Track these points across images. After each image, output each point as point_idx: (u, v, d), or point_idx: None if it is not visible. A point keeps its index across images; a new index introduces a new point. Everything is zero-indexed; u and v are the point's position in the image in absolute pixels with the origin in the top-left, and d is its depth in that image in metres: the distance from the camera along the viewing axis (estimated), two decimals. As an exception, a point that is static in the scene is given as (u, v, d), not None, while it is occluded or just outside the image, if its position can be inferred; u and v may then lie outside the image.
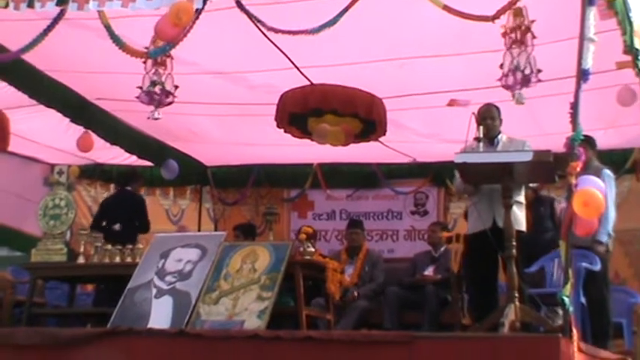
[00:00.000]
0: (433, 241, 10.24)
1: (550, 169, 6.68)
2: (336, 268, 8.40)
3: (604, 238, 8.02)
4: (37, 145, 11.56)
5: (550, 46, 7.20)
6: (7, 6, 6.80)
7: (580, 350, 5.41)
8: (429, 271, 9.87)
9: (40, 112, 9.82)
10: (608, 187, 8.05)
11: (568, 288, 5.59)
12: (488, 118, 7.43)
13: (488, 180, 7.10)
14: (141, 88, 7.93)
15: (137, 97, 7.98)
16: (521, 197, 7.35)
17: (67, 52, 8.42)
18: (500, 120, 7.52)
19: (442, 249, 10.14)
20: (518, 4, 6.67)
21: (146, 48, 7.37)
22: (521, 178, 6.96)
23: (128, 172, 11.64)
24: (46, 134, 11.14)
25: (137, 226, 10.52)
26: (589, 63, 5.92)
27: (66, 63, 8.81)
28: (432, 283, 9.55)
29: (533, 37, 6.91)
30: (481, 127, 7.15)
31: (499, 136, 7.48)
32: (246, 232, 10.54)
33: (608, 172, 8.23)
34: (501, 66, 6.99)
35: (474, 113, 7.25)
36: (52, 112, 9.64)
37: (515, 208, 7.08)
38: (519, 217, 7.25)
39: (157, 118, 8.09)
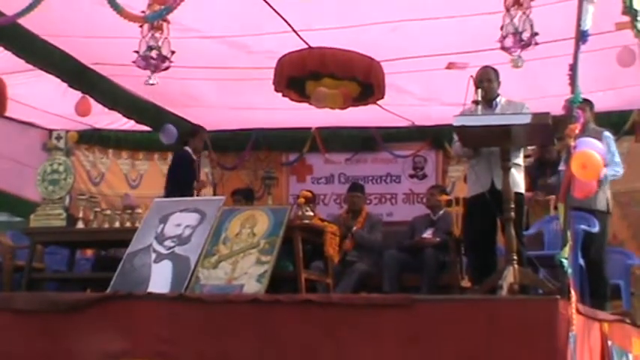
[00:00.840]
0: (432, 205, 10.23)
1: (548, 131, 6.66)
2: (335, 231, 8.40)
3: (608, 172, 7.91)
4: (35, 111, 11.53)
5: (549, 8, 7.16)
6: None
7: (578, 312, 5.42)
8: (427, 234, 9.87)
9: (38, 77, 9.80)
10: (612, 146, 8.05)
11: (566, 250, 5.59)
12: (485, 80, 7.40)
13: (487, 143, 7.08)
14: (137, 52, 7.90)
15: (134, 62, 7.95)
16: (520, 159, 7.34)
17: (63, 17, 8.39)
18: (499, 82, 7.49)
19: (441, 212, 10.12)
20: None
21: (143, 12, 7.32)
22: (519, 140, 6.95)
23: (188, 129, 11.48)
24: (44, 99, 11.11)
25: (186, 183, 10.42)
26: (588, 24, 5.88)
27: (63, 28, 8.78)
28: (430, 246, 9.55)
29: (530, -1, 6.88)
30: (479, 90, 7.12)
31: (497, 99, 7.46)
32: (246, 196, 10.55)
33: (607, 133, 8.22)
34: (501, 28, 6.96)
35: (472, 76, 7.23)
36: (49, 77, 9.63)
37: (513, 170, 7.06)
38: (517, 179, 7.24)
39: (152, 84, 8.06)
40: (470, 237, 7.87)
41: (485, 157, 7.20)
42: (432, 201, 10.22)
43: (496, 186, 7.07)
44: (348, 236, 9.88)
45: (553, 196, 8.80)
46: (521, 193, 7.31)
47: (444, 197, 10.34)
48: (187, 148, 10.64)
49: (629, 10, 6.51)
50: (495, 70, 7.49)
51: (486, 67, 7.49)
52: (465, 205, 8.01)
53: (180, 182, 10.23)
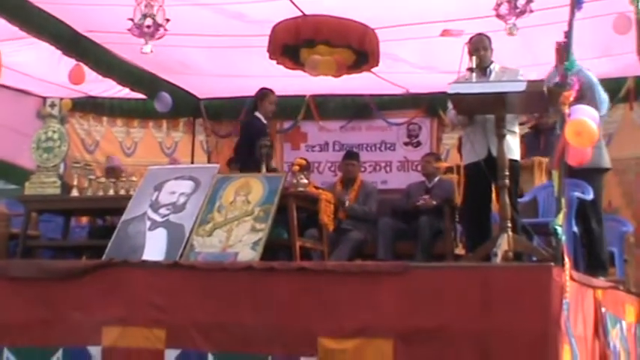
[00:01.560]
0: (427, 172, 10.22)
1: (543, 99, 6.65)
2: (330, 199, 8.40)
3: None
4: (29, 78, 11.47)
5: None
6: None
7: (572, 279, 5.43)
8: (424, 198, 9.86)
9: (32, 44, 9.75)
10: (592, 78, 7.86)
11: (560, 217, 5.60)
12: (481, 48, 7.37)
13: (482, 110, 7.07)
14: (132, 20, 7.85)
15: (128, 30, 7.90)
16: (515, 127, 7.33)
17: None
18: (491, 49, 7.46)
19: (436, 179, 10.13)
20: None
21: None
22: (514, 108, 6.93)
23: (257, 94, 10.83)
24: (38, 67, 11.05)
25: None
26: (583, -9, 5.86)
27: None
28: (425, 214, 9.55)
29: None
30: (474, 58, 7.09)
31: (491, 66, 7.43)
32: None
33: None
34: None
35: (467, 44, 7.21)
36: (43, 44, 9.57)
37: (508, 137, 7.06)
38: (512, 147, 7.23)
39: (147, 52, 8.02)
40: (465, 204, 7.86)
41: (481, 125, 7.17)
42: (428, 168, 10.22)
43: (492, 153, 7.05)
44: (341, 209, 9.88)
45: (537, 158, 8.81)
46: (516, 160, 7.30)
47: (443, 164, 10.35)
48: (258, 114, 9.81)
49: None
50: (488, 37, 7.46)
51: (480, 34, 7.45)
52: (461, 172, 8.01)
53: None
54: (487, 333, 5.28)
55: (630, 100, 10.63)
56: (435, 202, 9.62)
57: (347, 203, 9.89)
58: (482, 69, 7.38)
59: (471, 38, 7.45)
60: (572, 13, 5.90)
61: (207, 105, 12.98)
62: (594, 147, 7.41)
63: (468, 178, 7.54)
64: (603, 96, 7.87)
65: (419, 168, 10.87)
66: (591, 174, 7.88)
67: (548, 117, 8.63)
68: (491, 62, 7.44)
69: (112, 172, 10.69)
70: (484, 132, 7.14)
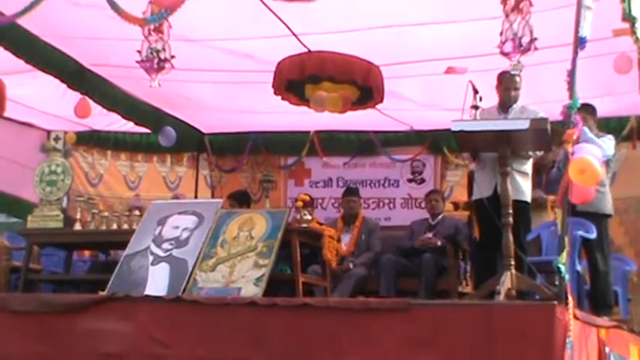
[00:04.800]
0: (435, 212, 10.24)
1: (547, 137, 6.68)
2: (333, 235, 8.41)
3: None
4: (34, 111, 11.52)
5: (547, 14, 7.17)
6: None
7: (575, 317, 5.43)
8: (428, 236, 9.88)
9: (37, 77, 9.78)
10: (608, 142, 7.98)
11: (564, 256, 5.61)
12: (512, 88, 7.42)
13: (486, 148, 7.10)
14: (139, 52, 7.89)
15: (138, 62, 7.94)
16: (527, 167, 7.33)
17: (63, 18, 8.39)
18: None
19: (440, 217, 10.15)
20: (517, -28, 6.65)
21: (143, 13, 7.32)
22: (518, 146, 6.95)
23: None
24: (43, 100, 11.10)
25: None
26: (586, 31, 5.90)
27: (62, 28, 8.78)
28: (429, 251, 9.56)
29: (530, 4, 6.87)
30: (478, 95, 7.12)
31: (514, 105, 7.46)
32: (240, 200, 10.53)
33: (609, 135, 8.20)
34: (500, 33, 6.96)
35: (470, 81, 7.23)
36: (48, 78, 9.61)
37: (518, 177, 7.11)
38: (523, 187, 7.25)
39: (154, 87, 8.05)
40: (474, 241, 7.86)
41: (491, 163, 7.16)
42: (437, 208, 10.23)
43: (498, 192, 7.05)
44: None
45: (551, 196, 8.84)
46: (527, 202, 7.31)
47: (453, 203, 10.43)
48: None
49: (628, 16, 6.53)
50: (520, 77, 7.48)
51: (509, 72, 7.42)
52: (470, 209, 8.03)
53: None
54: (490, 371, 5.29)
55: (633, 139, 10.66)
56: (439, 243, 9.62)
57: (351, 265, 9.85)
58: (505, 107, 7.42)
59: (502, 73, 7.47)
60: (576, 52, 5.94)
61: (212, 140, 13.03)
62: (599, 191, 7.50)
63: (476, 215, 7.55)
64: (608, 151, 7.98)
65: (422, 205, 10.86)
66: (595, 217, 7.94)
67: (546, 154, 8.67)
68: (515, 102, 7.47)
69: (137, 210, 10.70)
70: (493, 170, 7.13)
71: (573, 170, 5.72)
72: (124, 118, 11.35)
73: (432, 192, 10.78)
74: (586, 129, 7.74)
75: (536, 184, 8.84)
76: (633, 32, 6.88)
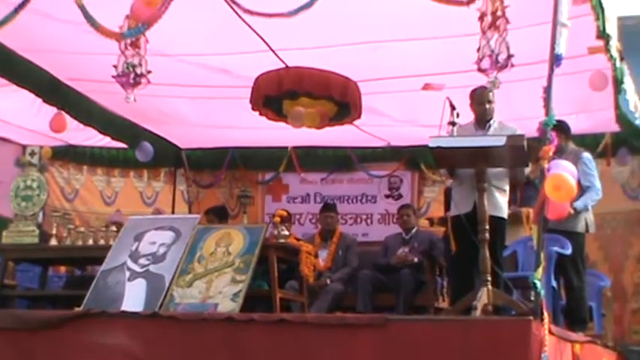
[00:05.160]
0: (407, 226, 10.25)
1: (523, 153, 6.72)
2: (310, 251, 8.43)
3: (579, 206, 8.02)
4: (9, 126, 11.46)
5: (524, 31, 7.22)
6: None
7: (551, 333, 5.46)
8: (403, 251, 9.89)
9: (12, 92, 9.74)
10: (591, 169, 8.14)
11: (540, 272, 5.64)
12: (485, 102, 7.43)
13: (463, 164, 7.13)
14: (115, 67, 7.87)
15: (114, 77, 7.92)
16: (504, 184, 7.36)
17: (39, 32, 8.36)
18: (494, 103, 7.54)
19: (413, 231, 10.16)
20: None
21: (120, 28, 7.31)
22: (495, 162, 6.99)
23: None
24: (18, 114, 11.05)
25: None
26: (562, 48, 5.96)
27: (38, 42, 8.75)
28: (406, 267, 9.57)
29: (507, 22, 6.92)
30: (455, 112, 7.16)
31: (491, 121, 7.49)
32: (219, 215, 10.53)
33: (587, 155, 8.33)
34: (478, 50, 7.00)
35: (448, 98, 7.27)
36: (24, 92, 9.56)
37: (497, 194, 7.15)
38: (501, 204, 7.29)
39: (130, 101, 8.04)
40: (450, 257, 7.89)
41: (469, 179, 7.16)
42: (409, 223, 10.24)
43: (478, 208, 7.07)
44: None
45: (525, 209, 8.90)
46: (503, 218, 7.35)
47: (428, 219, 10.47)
48: None
49: (602, 34, 6.60)
50: (492, 90, 7.50)
51: (483, 87, 7.46)
52: (447, 224, 8.07)
53: None
54: (466, 387, 5.30)
55: (608, 156, 10.74)
56: (415, 259, 9.63)
57: (328, 281, 9.85)
58: (483, 122, 7.46)
59: (474, 90, 7.50)
60: (552, 69, 5.99)
61: (189, 155, 13.01)
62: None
63: (453, 232, 7.58)
64: (597, 184, 8.09)
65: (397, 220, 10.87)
66: (568, 234, 8.01)
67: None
68: (491, 117, 7.50)
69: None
70: (471, 186, 7.14)
71: (549, 186, 5.77)
72: (100, 133, 11.32)
73: (403, 206, 10.79)
74: (589, 156, 7.90)
75: (511, 200, 8.90)
76: (607, 50, 6.95)
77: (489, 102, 7.45)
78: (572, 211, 7.77)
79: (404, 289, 9.36)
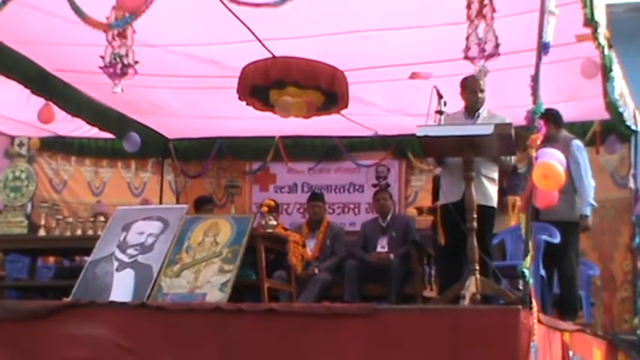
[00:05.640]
0: (384, 210, 10.19)
1: (511, 141, 6.70)
2: (298, 240, 8.42)
3: (588, 211, 8.09)
4: (-3, 117, 11.44)
5: (511, 19, 7.20)
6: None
7: (540, 322, 5.45)
8: (382, 245, 9.84)
9: (0, 83, 9.68)
10: (580, 157, 8.14)
11: (528, 260, 5.62)
12: (478, 90, 7.38)
13: (450, 153, 7.11)
14: (103, 58, 7.83)
15: (101, 68, 7.88)
16: (493, 173, 7.33)
17: (26, 23, 8.31)
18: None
19: (389, 217, 10.08)
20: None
21: (107, 18, 7.27)
22: (482, 151, 6.96)
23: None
24: (6, 106, 10.98)
25: None
26: (549, 36, 5.93)
27: (26, 33, 8.69)
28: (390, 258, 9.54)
29: (493, 10, 6.89)
30: (442, 100, 7.13)
31: (480, 110, 7.45)
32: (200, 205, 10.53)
33: (577, 142, 8.32)
34: (466, 39, 6.97)
35: (435, 86, 7.24)
36: (11, 83, 9.51)
37: (486, 183, 7.13)
38: (490, 193, 7.25)
39: (117, 92, 8.00)
40: (439, 246, 7.87)
41: (458, 168, 7.13)
42: (386, 207, 10.17)
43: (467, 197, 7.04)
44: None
45: (511, 197, 8.90)
46: (492, 207, 7.32)
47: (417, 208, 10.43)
48: None
49: (590, 21, 6.57)
50: (483, 79, 7.46)
51: (471, 76, 7.42)
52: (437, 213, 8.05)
53: None
54: (455, 376, 5.29)
55: (597, 144, 10.72)
56: (392, 256, 9.56)
57: (316, 270, 9.78)
58: (472, 111, 7.41)
59: (465, 79, 7.45)
60: (539, 57, 5.96)
61: (177, 145, 12.97)
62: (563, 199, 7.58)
63: (441, 221, 7.55)
64: (589, 185, 8.10)
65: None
66: (560, 224, 8.01)
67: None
68: (482, 105, 7.46)
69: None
70: (460, 175, 7.11)
71: (537, 175, 5.74)
72: (88, 123, 11.28)
73: (379, 191, 10.76)
74: (579, 144, 7.90)
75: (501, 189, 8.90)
76: (595, 37, 6.93)
77: (481, 91, 7.40)
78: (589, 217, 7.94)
79: (394, 279, 9.32)
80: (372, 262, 9.61)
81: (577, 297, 8.23)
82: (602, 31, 7.03)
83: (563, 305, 8.04)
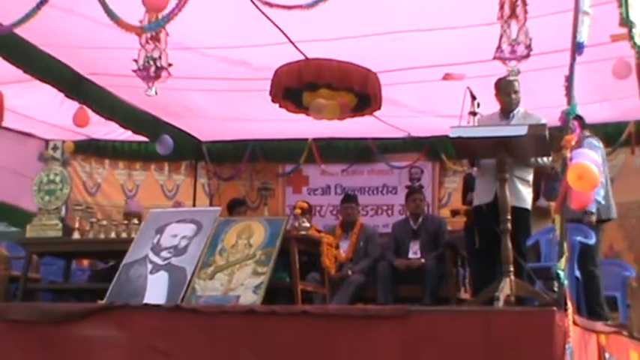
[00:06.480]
0: (417, 212, 10.11)
1: (545, 142, 6.66)
2: (331, 242, 8.41)
3: (593, 208, 8.00)
4: (32, 121, 11.53)
5: (545, 19, 7.16)
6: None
7: (575, 323, 5.41)
8: (414, 250, 9.79)
9: (35, 87, 9.77)
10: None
11: (563, 262, 5.58)
12: (512, 92, 7.36)
13: (484, 154, 7.08)
14: (136, 61, 7.86)
15: (134, 71, 7.91)
16: (527, 175, 7.30)
17: (60, 27, 8.38)
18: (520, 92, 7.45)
19: (421, 219, 10.02)
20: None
21: (140, 21, 7.30)
22: (516, 152, 6.93)
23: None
24: (41, 109, 11.10)
25: None
26: (584, 36, 5.88)
27: (60, 37, 8.76)
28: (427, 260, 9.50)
29: (525, 11, 6.85)
30: (476, 102, 7.12)
31: (515, 110, 7.42)
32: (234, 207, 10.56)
33: (591, 139, 8.20)
34: (499, 39, 6.95)
35: (468, 87, 7.23)
36: (46, 87, 9.61)
37: (519, 184, 7.10)
38: (524, 195, 7.22)
39: (151, 95, 8.03)
40: (473, 247, 7.83)
41: (492, 169, 7.09)
42: (420, 207, 10.11)
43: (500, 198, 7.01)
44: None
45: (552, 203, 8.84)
46: (527, 209, 7.28)
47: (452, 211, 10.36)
48: None
49: (626, 21, 6.51)
50: (518, 80, 7.45)
51: (505, 78, 7.39)
52: (470, 214, 8.01)
53: None
54: (490, 378, 5.26)
55: (632, 145, 10.64)
56: (422, 260, 9.52)
57: (349, 272, 9.76)
58: (507, 112, 7.38)
59: (499, 80, 7.42)
60: (573, 57, 5.92)
61: (210, 148, 13.02)
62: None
63: (476, 220, 7.52)
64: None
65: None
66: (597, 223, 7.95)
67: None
68: (517, 106, 7.43)
69: (132, 216, 10.66)
70: (493, 176, 7.07)
71: (571, 176, 5.70)
72: (121, 126, 11.35)
73: (413, 191, 10.67)
74: (593, 140, 7.78)
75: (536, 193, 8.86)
76: (631, 37, 6.86)
77: (515, 92, 7.38)
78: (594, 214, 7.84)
79: (429, 281, 9.28)
80: (403, 269, 9.56)
81: (600, 299, 8.11)
82: (638, 31, 6.97)
83: (588, 308, 7.96)
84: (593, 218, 8.07)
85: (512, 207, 6.82)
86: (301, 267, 7.87)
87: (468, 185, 8.99)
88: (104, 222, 8.82)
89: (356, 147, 12.58)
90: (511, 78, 7.19)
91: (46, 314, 6.46)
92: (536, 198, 7.71)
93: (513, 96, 7.36)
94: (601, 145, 8.21)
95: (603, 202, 8.16)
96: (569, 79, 5.87)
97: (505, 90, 7.36)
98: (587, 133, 8.22)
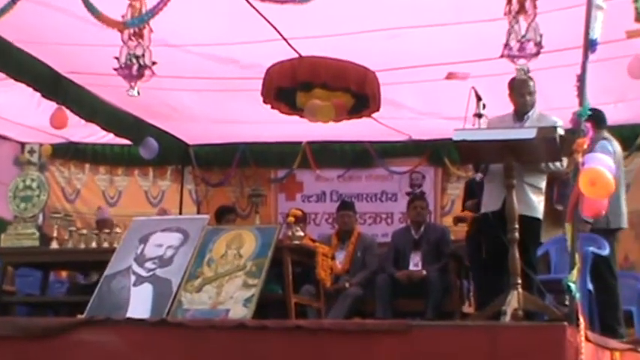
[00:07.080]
0: (419, 220, 10.12)
1: (555, 147, 6.66)
2: (327, 253, 8.41)
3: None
4: (7, 122, 11.51)
5: (555, 15, 7.18)
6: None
7: (587, 339, 5.41)
8: (415, 262, 9.78)
9: (9, 86, 9.76)
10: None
11: (574, 274, 5.59)
12: (526, 93, 7.35)
13: (490, 159, 7.08)
14: (118, 59, 7.87)
15: (115, 69, 7.92)
16: (539, 181, 7.29)
17: (37, 22, 8.37)
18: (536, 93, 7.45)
19: (422, 228, 10.02)
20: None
21: (122, 16, 7.31)
22: (525, 156, 6.92)
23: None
24: (16, 110, 11.09)
25: None
26: (597, 33, 5.89)
27: (36, 34, 8.76)
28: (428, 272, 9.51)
29: (535, 6, 6.86)
30: (481, 102, 7.12)
31: (531, 112, 7.42)
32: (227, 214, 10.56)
33: (604, 142, 8.13)
34: (507, 35, 6.96)
35: (473, 87, 7.23)
36: (21, 86, 9.58)
37: (529, 192, 7.09)
38: (534, 203, 7.21)
39: (134, 95, 8.04)
40: (477, 257, 7.83)
41: (499, 175, 7.10)
42: (423, 215, 10.12)
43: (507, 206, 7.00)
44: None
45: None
46: (537, 219, 7.28)
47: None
48: None
49: (641, 16, 6.54)
50: (533, 80, 7.44)
51: (521, 77, 7.37)
52: (474, 222, 8.01)
53: None
54: (496, 397, 5.26)
55: (648, 148, 10.66)
56: (424, 272, 9.52)
57: (347, 285, 9.77)
58: (521, 114, 7.38)
59: (513, 79, 7.42)
60: (586, 55, 5.93)
61: (197, 151, 13.03)
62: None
63: (482, 229, 7.52)
64: None
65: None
66: (604, 232, 7.93)
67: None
68: (532, 108, 7.43)
69: (104, 224, 10.66)
70: (501, 183, 7.08)
71: (583, 182, 5.71)
72: (103, 129, 11.34)
73: (416, 198, 10.70)
74: (606, 143, 7.76)
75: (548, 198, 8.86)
76: (647, 33, 6.89)
77: (530, 93, 7.36)
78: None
79: (433, 294, 9.28)
80: (404, 281, 9.56)
81: (617, 314, 8.11)
82: (656, 26, 6.99)
83: (602, 322, 7.95)
84: (588, 228, 8.06)
85: (521, 216, 6.82)
86: (294, 279, 7.88)
87: (470, 191, 8.99)
88: (84, 231, 8.83)
89: (353, 151, 12.58)
90: (525, 77, 7.17)
91: (22, 329, 6.45)
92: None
93: (528, 97, 7.33)
94: (617, 149, 8.18)
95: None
96: (582, 79, 5.88)
97: (519, 90, 7.34)
98: (604, 133, 8.19)
